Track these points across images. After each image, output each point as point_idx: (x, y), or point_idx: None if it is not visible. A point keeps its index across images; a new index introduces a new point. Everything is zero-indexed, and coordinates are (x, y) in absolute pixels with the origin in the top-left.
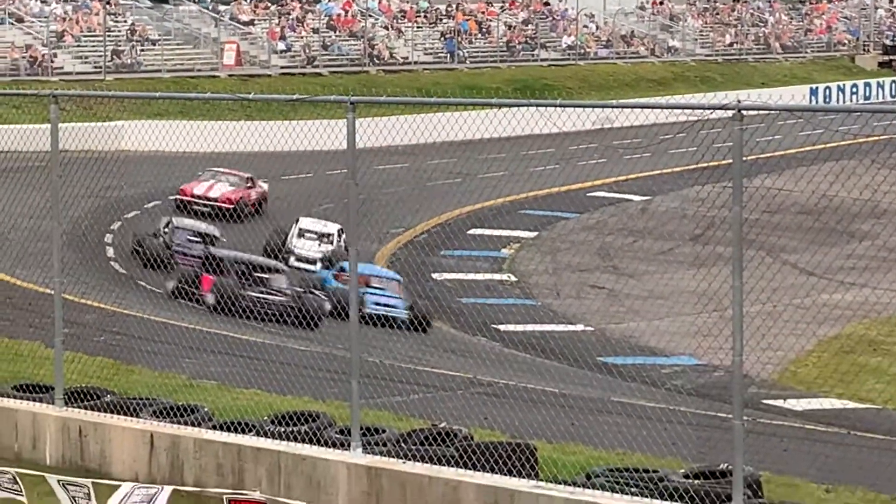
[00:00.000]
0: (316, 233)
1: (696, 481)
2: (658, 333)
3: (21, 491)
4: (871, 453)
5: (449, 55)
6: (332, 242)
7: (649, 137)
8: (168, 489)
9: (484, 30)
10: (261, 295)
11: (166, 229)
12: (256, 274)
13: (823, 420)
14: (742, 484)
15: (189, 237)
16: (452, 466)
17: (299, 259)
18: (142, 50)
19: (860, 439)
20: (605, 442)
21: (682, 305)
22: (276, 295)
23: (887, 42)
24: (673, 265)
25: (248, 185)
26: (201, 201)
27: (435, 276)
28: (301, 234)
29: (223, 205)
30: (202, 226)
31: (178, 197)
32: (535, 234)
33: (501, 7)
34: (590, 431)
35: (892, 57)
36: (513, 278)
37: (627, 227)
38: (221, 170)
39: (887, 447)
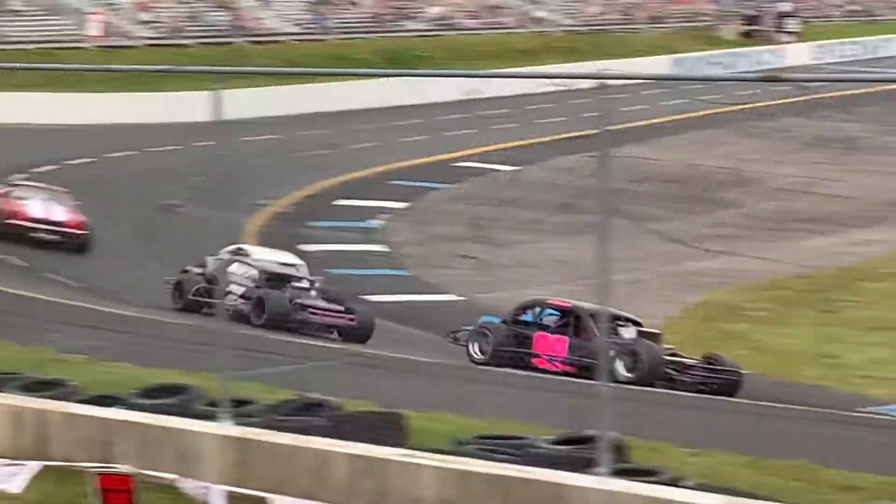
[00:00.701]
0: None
1: (563, 447)
2: None
3: None
4: (734, 417)
5: (318, 26)
6: (308, 272)
7: (517, 107)
8: (32, 465)
9: (352, 0)
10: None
11: (248, 277)
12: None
13: None
14: (607, 449)
15: (299, 286)
16: (322, 437)
17: None
18: (5, 21)
19: (724, 404)
20: (475, 410)
21: (551, 274)
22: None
23: (749, 12)
24: (542, 234)
25: (74, 202)
26: (42, 226)
27: (303, 247)
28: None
29: (76, 230)
30: (298, 271)
31: (10, 221)
32: (407, 204)
33: None
34: (460, 400)
35: (753, 27)
36: (383, 249)
37: (497, 197)
38: (29, 183)
39: (751, 411)
